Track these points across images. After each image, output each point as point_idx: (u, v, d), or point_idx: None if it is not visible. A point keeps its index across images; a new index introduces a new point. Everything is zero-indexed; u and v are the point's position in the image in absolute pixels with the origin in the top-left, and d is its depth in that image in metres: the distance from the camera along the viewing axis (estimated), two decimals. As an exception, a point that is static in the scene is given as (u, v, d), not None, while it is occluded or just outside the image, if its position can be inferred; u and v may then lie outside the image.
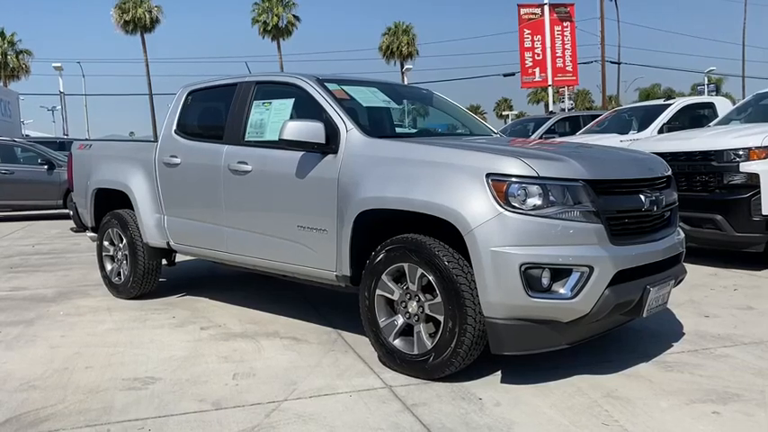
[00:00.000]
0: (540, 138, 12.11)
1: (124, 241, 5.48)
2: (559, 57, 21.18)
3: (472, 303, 3.16)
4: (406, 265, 3.42)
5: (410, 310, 3.45)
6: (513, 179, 3.10)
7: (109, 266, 5.72)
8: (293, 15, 50.93)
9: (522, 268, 3.03)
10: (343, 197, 3.72)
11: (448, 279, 3.20)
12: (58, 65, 39.78)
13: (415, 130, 4.86)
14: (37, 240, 10.07)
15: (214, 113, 5.01)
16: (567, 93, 39.73)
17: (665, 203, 3.58)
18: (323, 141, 3.81)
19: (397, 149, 3.67)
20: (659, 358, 3.69)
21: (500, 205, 3.08)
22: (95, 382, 3.49)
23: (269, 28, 50.59)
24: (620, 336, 4.09)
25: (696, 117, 9.81)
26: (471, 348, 3.23)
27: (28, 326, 4.74)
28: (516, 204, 3.08)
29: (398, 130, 4.74)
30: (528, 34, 20.98)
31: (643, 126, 9.63)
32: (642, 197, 3.39)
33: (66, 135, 37.00)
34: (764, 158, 6.04)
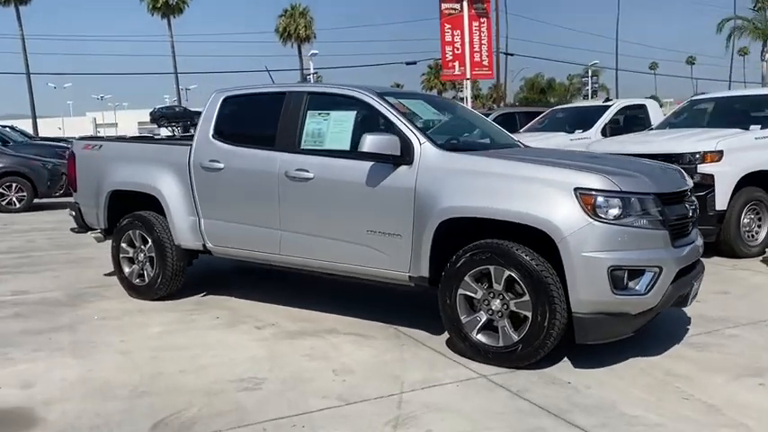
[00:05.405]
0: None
1: (149, 243, 5.48)
2: (477, 51, 22.13)
3: (559, 300, 3.64)
4: (492, 268, 3.83)
5: (493, 308, 3.88)
6: (600, 193, 3.60)
7: (128, 269, 5.68)
8: (184, -9, 49.13)
9: (610, 270, 3.55)
10: (422, 205, 4.06)
11: (537, 280, 3.66)
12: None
13: (479, 142, 5.18)
14: (-17, 238, 9.50)
15: (259, 120, 5.13)
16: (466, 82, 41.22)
17: (694, 209, 4.22)
18: (398, 153, 4.14)
19: (473, 163, 4.08)
20: (686, 340, 4.33)
21: (589, 216, 3.58)
22: (204, 385, 3.62)
23: (158, 5, 48.55)
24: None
25: (630, 117, 10.83)
26: (556, 339, 3.72)
27: (72, 332, 4.71)
28: (602, 215, 3.59)
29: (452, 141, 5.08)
30: (449, 29, 21.74)
31: (585, 126, 10.49)
32: (686, 205, 4.02)
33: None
34: (717, 161, 6.94)
